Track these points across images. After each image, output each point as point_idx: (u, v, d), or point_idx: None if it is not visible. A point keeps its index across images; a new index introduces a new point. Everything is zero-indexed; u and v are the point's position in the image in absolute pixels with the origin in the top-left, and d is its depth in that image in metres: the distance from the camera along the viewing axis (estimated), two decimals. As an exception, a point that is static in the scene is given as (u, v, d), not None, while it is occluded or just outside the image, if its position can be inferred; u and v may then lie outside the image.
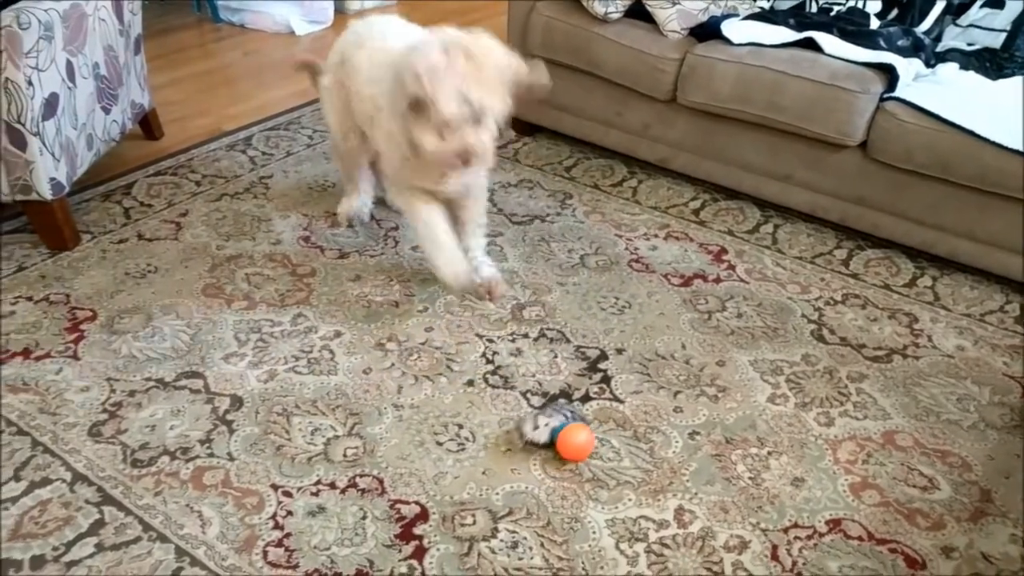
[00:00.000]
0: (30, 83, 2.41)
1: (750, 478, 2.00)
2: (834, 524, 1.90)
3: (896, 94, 2.60)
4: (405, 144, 2.18)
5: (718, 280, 2.66)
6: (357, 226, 2.85)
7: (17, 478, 1.95)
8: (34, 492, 1.92)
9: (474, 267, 2.52)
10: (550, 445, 2.02)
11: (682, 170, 3.10)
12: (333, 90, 2.61)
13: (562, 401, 2.18)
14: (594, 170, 3.24)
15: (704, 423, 2.15)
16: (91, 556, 1.79)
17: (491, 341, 2.39)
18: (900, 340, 2.44)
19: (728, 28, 2.86)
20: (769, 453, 2.07)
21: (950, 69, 2.73)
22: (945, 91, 2.61)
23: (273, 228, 2.84)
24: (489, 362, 2.32)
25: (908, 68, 2.67)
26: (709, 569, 1.80)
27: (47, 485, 1.94)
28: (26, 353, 2.30)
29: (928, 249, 2.71)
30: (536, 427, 2.02)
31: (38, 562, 1.77)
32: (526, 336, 2.41)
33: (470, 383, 2.25)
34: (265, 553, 1.80)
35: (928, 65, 2.75)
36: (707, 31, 2.89)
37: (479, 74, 2.02)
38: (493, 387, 2.24)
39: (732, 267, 2.73)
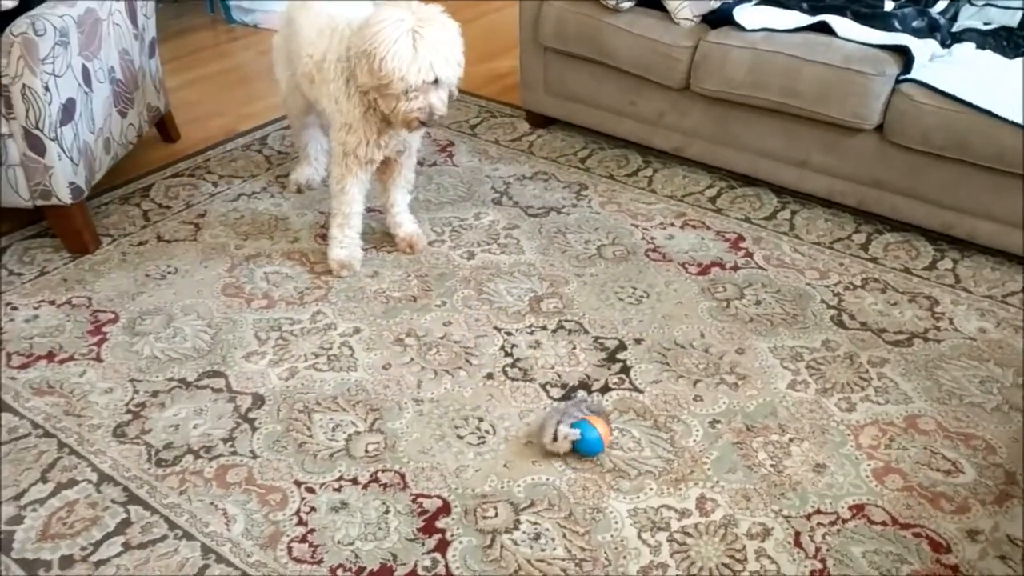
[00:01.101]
0: (47, 89, 2.43)
1: (772, 465, 2.00)
2: (857, 509, 1.89)
3: (912, 76, 2.58)
4: (360, 111, 2.40)
5: (736, 268, 2.65)
6: (305, 191, 3.03)
7: (44, 480, 1.98)
8: (61, 493, 1.95)
9: (397, 222, 2.74)
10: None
11: (697, 158, 3.08)
12: (282, 47, 2.79)
13: (580, 394, 2.18)
14: (609, 160, 3.23)
15: (724, 411, 2.14)
16: (118, 555, 1.81)
17: (509, 334, 2.40)
18: (921, 324, 2.42)
19: (740, 14, 2.84)
20: (790, 440, 2.06)
21: (966, 49, 2.70)
22: (962, 71, 2.58)
23: (290, 226, 2.86)
24: (508, 355, 2.32)
25: (923, 49, 2.65)
26: (732, 557, 1.79)
27: (74, 486, 1.96)
28: (50, 356, 2.33)
29: (948, 231, 2.68)
30: (555, 438, 1.98)
31: (67, 562, 1.79)
32: (544, 328, 2.42)
33: (489, 376, 2.26)
34: (290, 549, 1.82)
35: (944, 45, 2.73)
36: (719, 18, 2.88)
37: (436, 48, 2.24)
38: (512, 380, 2.25)
39: (750, 254, 2.71)
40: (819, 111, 2.68)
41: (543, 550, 1.81)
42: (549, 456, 2.02)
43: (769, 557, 1.79)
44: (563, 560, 1.79)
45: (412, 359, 2.31)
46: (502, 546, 1.82)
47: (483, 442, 2.07)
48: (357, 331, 2.41)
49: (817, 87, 2.65)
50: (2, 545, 1.83)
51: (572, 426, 1.99)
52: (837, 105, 2.64)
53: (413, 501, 1.92)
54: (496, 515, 1.89)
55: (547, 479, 1.97)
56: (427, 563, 1.79)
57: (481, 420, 2.13)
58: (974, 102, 2.45)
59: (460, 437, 2.08)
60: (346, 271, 2.62)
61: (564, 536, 1.84)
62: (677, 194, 3.03)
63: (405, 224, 2.75)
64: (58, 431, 2.10)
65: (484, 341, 2.37)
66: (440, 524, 1.87)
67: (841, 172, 2.77)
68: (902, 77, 2.59)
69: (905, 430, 2.09)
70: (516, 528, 1.86)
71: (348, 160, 2.51)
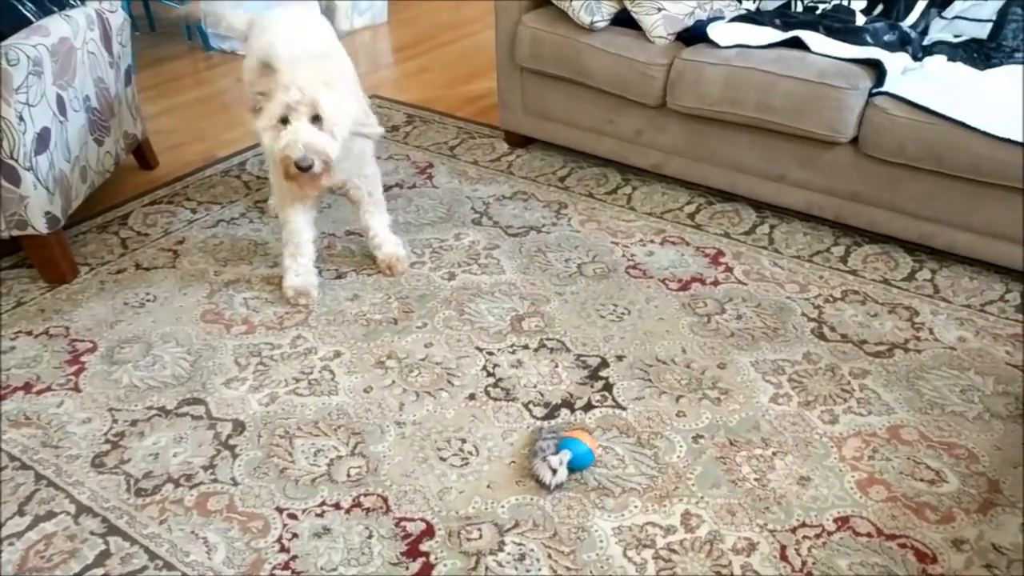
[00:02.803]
0: (21, 119, 2.42)
1: (756, 479, 1.99)
2: (842, 522, 1.89)
3: (885, 89, 2.61)
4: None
5: (716, 283, 2.66)
6: None
7: (21, 512, 1.95)
8: (39, 526, 1.92)
9: (376, 244, 2.72)
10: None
11: (676, 175, 3.10)
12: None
13: (543, 425, 2.15)
14: (588, 179, 3.24)
15: (707, 426, 2.14)
16: (98, 587, 1.78)
17: (491, 354, 2.39)
18: (901, 334, 2.43)
19: (714, 31, 2.86)
20: (774, 453, 2.06)
21: (938, 61, 2.73)
22: (934, 83, 2.61)
23: (270, 251, 2.85)
24: (490, 375, 2.31)
25: (896, 62, 2.67)
26: (718, 572, 1.78)
27: (52, 518, 1.94)
28: (27, 387, 2.30)
29: (926, 242, 2.70)
30: (554, 471, 1.95)
31: (45, 596, 1.77)
32: (526, 347, 2.41)
33: (472, 397, 2.25)
34: (272, 576, 1.80)
35: (916, 58, 2.76)
36: (694, 35, 2.90)
37: (320, 81, 2.23)
38: (495, 400, 2.24)
39: (730, 269, 2.72)
40: (795, 125, 2.70)
41: (528, 571, 1.79)
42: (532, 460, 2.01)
43: (755, 572, 1.79)
44: (548, 580, 1.78)
45: (394, 381, 2.30)
46: (487, 568, 1.80)
47: (466, 463, 2.05)
48: (338, 355, 2.40)
49: (792, 102, 2.67)
50: (-22, 580, 1.80)
51: (558, 450, 1.98)
52: (812, 119, 2.66)
53: (396, 525, 1.90)
54: (480, 537, 1.87)
55: (531, 499, 1.96)
56: (411, 587, 1.77)
57: (464, 441, 2.11)
58: (947, 113, 2.47)
59: (443, 459, 2.07)
60: (303, 299, 2.58)
61: (549, 556, 1.83)
62: (656, 211, 3.04)
63: (384, 245, 2.73)
64: (35, 463, 2.08)
65: (466, 362, 2.36)
66: (424, 547, 1.85)
67: (818, 186, 2.79)
68: (875, 90, 2.61)
69: (888, 441, 2.09)
70: (501, 550, 1.84)
71: (282, 192, 2.52)
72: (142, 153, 3.35)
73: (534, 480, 1.98)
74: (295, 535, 1.88)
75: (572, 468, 1.98)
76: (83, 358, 2.40)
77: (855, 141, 2.67)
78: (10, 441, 2.13)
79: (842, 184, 2.74)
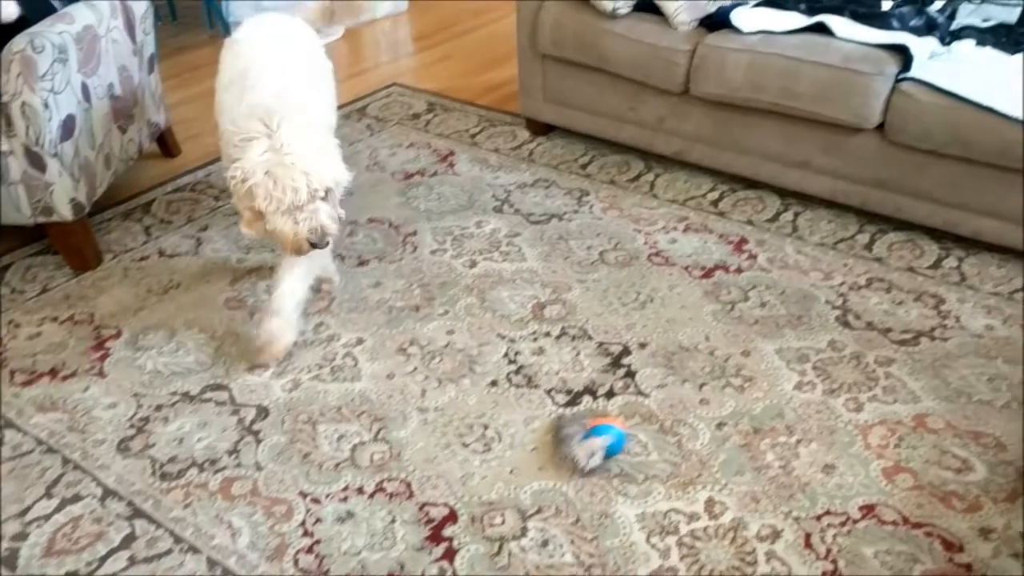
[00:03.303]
0: (46, 106, 2.44)
1: (780, 467, 1.98)
2: (868, 510, 1.88)
3: (911, 74, 2.57)
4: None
5: (740, 270, 2.64)
6: None
7: (49, 496, 1.97)
8: (66, 509, 1.94)
9: (274, 309, 2.33)
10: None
11: (699, 162, 3.08)
12: None
13: (563, 414, 2.14)
14: (610, 166, 3.22)
15: (731, 414, 2.13)
16: (124, 570, 1.80)
17: (513, 341, 2.38)
18: (927, 322, 2.40)
19: (738, 17, 2.84)
20: (798, 441, 2.05)
21: (966, 46, 2.69)
22: (962, 68, 2.57)
23: (292, 239, 2.85)
24: (512, 362, 2.31)
25: (922, 47, 2.64)
26: (742, 560, 1.78)
27: (78, 501, 1.96)
28: (53, 373, 2.32)
29: (952, 229, 2.67)
30: (592, 454, 1.95)
31: (72, 578, 1.78)
32: (548, 335, 2.40)
33: (494, 383, 2.24)
34: (296, 560, 1.80)
35: (943, 43, 2.72)
36: (717, 21, 2.87)
37: (300, 168, 2.07)
38: (517, 387, 2.23)
39: (753, 256, 2.70)
40: (819, 112, 2.67)
41: (551, 556, 1.79)
42: (555, 447, 2.02)
43: (780, 559, 1.78)
44: (572, 566, 1.77)
45: (416, 368, 2.30)
46: (510, 553, 1.80)
47: (489, 449, 2.05)
48: (360, 341, 2.40)
49: (817, 88, 2.65)
50: (7, 562, 1.82)
51: (587, 438, 1.98)
52: (837, 105, 2.63)
53: (419, 510, 1.91)
54: (503, 522, 1.87)
55: (554, 485, 1.95)
56: (434, 572, 1.77)
57: (486, 427, 2.11)
58: (975, 99, 2.44)
59: (465, 445, 2.07)
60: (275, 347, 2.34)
61: (572, 542, 1.82)
62: (679, 198, 3.02)
63: (276, 316, 2.30)
64: (62, 447, 2.09)
65: (488, 349, 2.36)
66: (447, 532, 1.85)
67: (843, 173, 2.76)
68: (902, 76, 2.58)
69: (914, 429, 2.07)
70: (524, 535, 1.84)
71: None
72: (165, 141, 3.36)
73: (568, 462, 1.97)
74: (319, 520, 1.89)
75: (608, 453, 1.98)
76: (108, 344, 2.42)
77: (880, 127, 2.64)
78: (37, 425, 2.15)
79: (867, 171, 2.71)
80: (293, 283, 2.30)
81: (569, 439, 2.00)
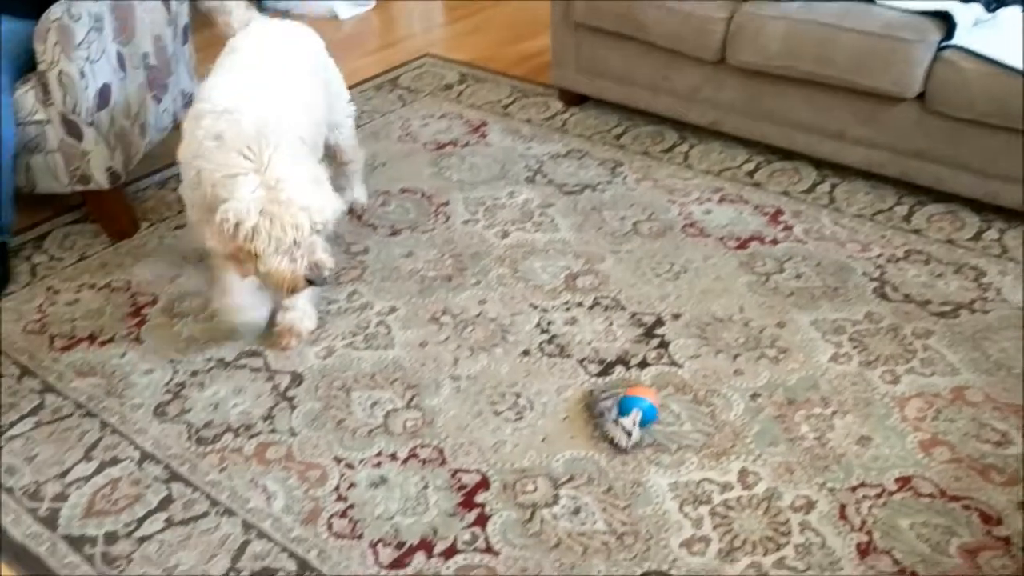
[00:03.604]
0: (82, 74, 2.45)
1: (815, 438, 1.96)
2: (904, 482, 1.86)
3: (954, 42, 2.52)
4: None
5: (775, 242, 2.61)
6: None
7: (88, 458, 2.00)
8: (105, 471, 1.97)
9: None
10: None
11: (734, 132, 3.04)
12: None
13: (598, 385, 2.12)
14: (644, 137, 3.19)
15: (765, 385, 2.11)
16: (161, 531, 1.83)
17: (545, 311, 2.38)
18: (967, 294, 2.36)
19: (776, -16, 2.78)
20: (833, 413, 2.03)
21: (1012, 12, 2.62)
22: (1007, 36, 2.51)
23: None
24: (544, 332, 2.31)
25: (966, 14, 2.57)
26: (775, 530, 1.77)
27: (116, 464, 1.99)
28: (91, 339, 2.35)
29: (994, 200, 2.61)
30: (629, 433, 1.94)
31: (111, 538, 1.81)
32: (580, 305, 2.40)
33: (526, 353, 2.24)
34: (330, 524, 1.82)
35: (989, 9, 2.65)
36: (754, -12, 2.82)
37: (299, 203, 1.89)
38: (549, 356, 2.23)
39: (789, 228, 2.67)
40: (858, 81, 2.62)
41: (583, 524, 1.80)
42: (587, 417, 2.02)
43: (814, 530, 1.77)
44: (603, 534, 1.77)
45: (448, 337, 2.31)
46: (542, 520, 1.81)
47: (521, 418, 2.05)
48: (393, 310, 2.41)
49: (855, 56, 2.59)
50: (48, 522, 1.85)
51: (622, 412, 1.97)
52: (876, 74, 2.58)
53: (452, 476, 1.91)
54: (535, 490, 1.88)
55: (586, 454, 1.95)
56: (467, 537, 1.78)
57: (518, 396, 2.11)
58: (1020, 67, 2.38)
59: (497, 413, 2.07)
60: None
61: (604, 510, 1.82)
62: (714, 169, 2.98)
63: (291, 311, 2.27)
64: (100, 411, 2.13)
65: (520, 319, 2.36)
66: (479, 499, 1.86)
67: (881, 143, 2.72)
68: (944, 44, 2.53)
69: (952, 402, 2.04)
70: (555, 502, 1.84)
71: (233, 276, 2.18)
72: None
73: (608, 443, 1.96)
74: (352, 485, 1.90)
75: (640, 425, 1.97)
76: (144, 311, 2.44)
77: (921, 97, 2.58)
78: (76, 389, 2.19)
79: (906, 141, 2.66)
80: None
81: (606, 414, 1.99)
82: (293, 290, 2.00)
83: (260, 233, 1.86)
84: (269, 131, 1.94)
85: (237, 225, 1.86)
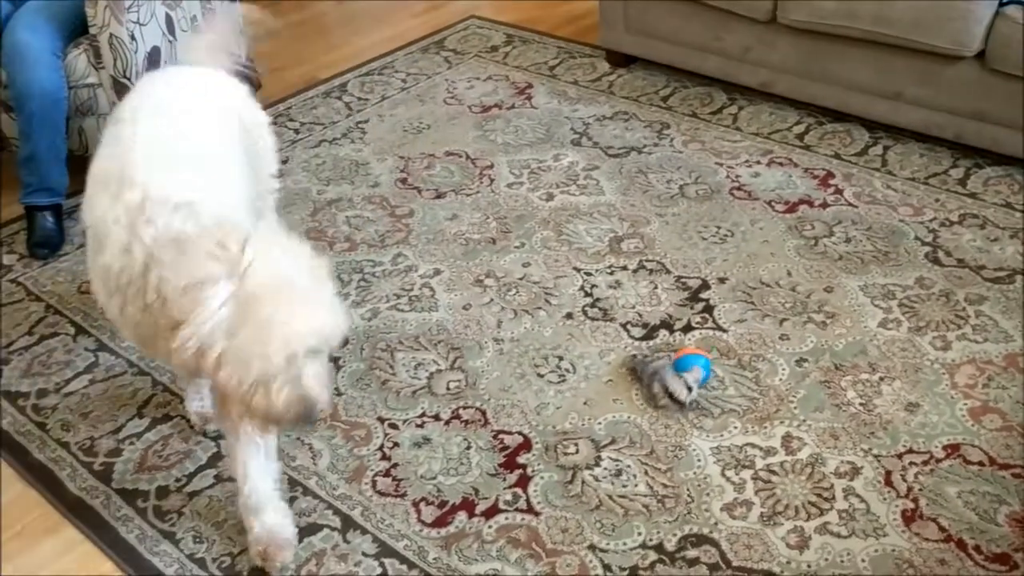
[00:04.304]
0: (132, 38, 2.48)
1: (861, 404, 1.94)
2: (952, 449, 1.83)
3: (1017, -3, 2.43)
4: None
5: (825, 205, 2.56)
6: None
7: (140, 415, 2.05)
8: (156, 428, 2.02)
9: (253, 505, 1.70)
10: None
11: (785, 94, 2.97)
12: None
13: (636, 359, 2.09)
14: (692, 98, 3.14)
15: (812, 350, 2.08)
16: (211, 487, 1.87)
17: (589, 274, 2.37)
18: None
19: (831, -61, 2.71)
20: (881, 379, 2.00)
21: (1078, -34, 2.52)
22: (1073, -9, 2.42)
23: (371, 171, 2.87)
24: (588, 295, 2.30)
25: (1030, -31, 2.48)
26: (819, 495, 1.75)
27: (168, 421, 2.03)
28: (143, 299, 2.40)
29: (1054, 163, 2.54)
30: (690, 388, 1.93)
31: (163, 492, 1.86)
32: (624, 268, 2.38)
33: (569, 316, 2.24)
34: (374, 483, 1.85)
35: (1053, -36, 2.55)
36: (808, -56, 2.75)
37: (280, 322, 1.37)
38: (592, 319, 2.22)
39: (839, 191, 2.62)
40: (915, 39, 2.55)
41: (624, 486, 1.80)
42: (630, 380, 2.01)
43: (858, 496, 1.75)
44: (645, 496, 1.78)
45: (492, 299, 2.31)
46: (583, 482, 1.82)
47: (563, 380, 2.06)
48: (437, 272, 2.42)
49: (913, 14, 2.52)
50: (102, 476, 1.91)
51: (679, 369, 1.96)
52: (934, 32, 2.50)
53: (494, 437, 1.93)
54: (577, 452, 1.88)
55: (628, 417, 1.95)
56: (508, 497, 1.79)
57: (561, 359, 2.12)
58: (1086, 23, 2.30)
59: (540, 375, 2.08)
60: (209, 424, 1.99)
61: (646, 473, 1.82)
62: (763, 131, 2.93)
63: (264, 511, 1.71)
64: (152, 369, 2.17)
65: (563, 282, 2.35)
66: (521, 460, 1.87)
67: (938, 104, 2.64)
68: (1005, 0, 2.44)
69: (1005, 369, 2.00)
70: (597, 464, 1.85)
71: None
72: (246, 75, 3.39)
73: (668, 399, 1.94)
74: (396, 444, 1.93)
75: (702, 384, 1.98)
76: (194, 272, 2.48)
77: (980, 55, 2.50)
78: (129, 348, 2.23)
79: (964, 102, 2.58)
80: (261, 465, 1.70)
81: (659, 376, 1.97)
82: (275, 427, 1.56)
83: (227, 364, 1.39)
84: (236, 220, 1.54)
85: (203, 356, 1.39)
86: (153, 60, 2.57)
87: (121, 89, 2.52)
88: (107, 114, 2.56)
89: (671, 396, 1.94)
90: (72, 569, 1.75)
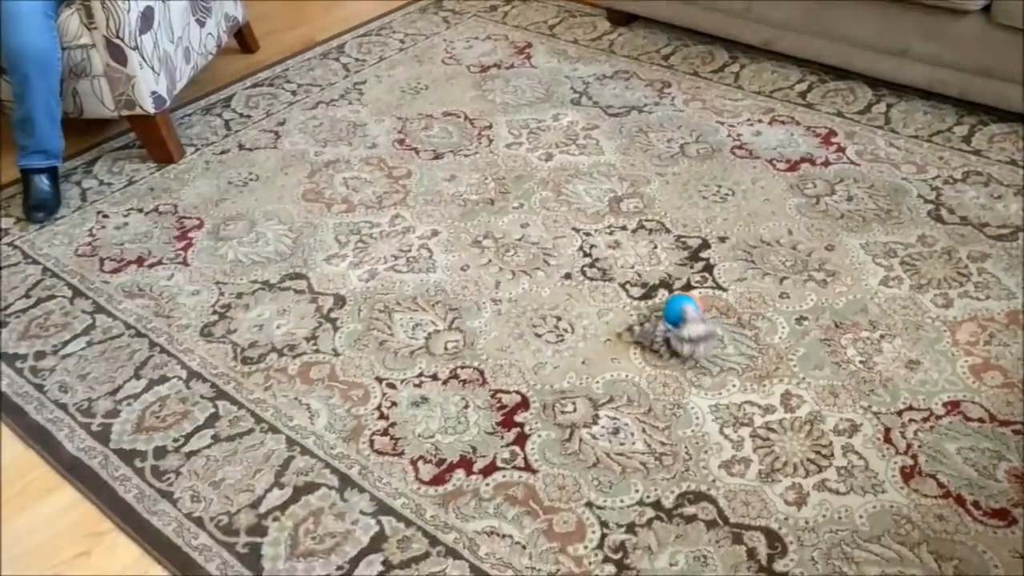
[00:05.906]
0: (125, -3, 2.45)
1: (861, 362, 1.92)
2: (952, 406, 1.82)
3: (1024, -51, 2.38)
4: None
5: (827, 163, 2.53)
6: None
7: (138, 376, 2.05)
8: (154, 389, 2.01)
9: None
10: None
11: (787, 51, 2.93)
12: None
13: (635, 331, 2.08)
14: (693, 57, 3.10)
15: (812, 308, 2.07)
16: (208, 447, 1.87)
17: (588, 235, 2.35)
18: (1027, 217, 2.28)
19: None
20: (882, 336, 1.98)
21: (1087, -83, 2.47)
22: (1081, -58, 2.37)
23: (368, 132, 2.85)
24: (586, 255, 2.28)
25: (1039, -81, 2.43)
26: (818, 452, 1.75)
27: (165, 382, 2.03)
28: (140, 261, 2.39)
29: (1060, 120, 2.50)
30: (690, 339, 1.92)
31: (160, 452, 1.86)
32: (624, 228, 2.36)
33: (567, 276, 2.22)
34: (372, 442, 1.84)
35: (1062, -85, 2.50)
36: None
37: None
38: (591, 280, 2.21)
39: (842, 149, 2.59)
40: (920, -7, 2.51)
41: (622, 444, 1.79)
42: (627, 340, 2.00)
43: (857, 453, 1.74)
44: (643, 454, 1.77)
45: (490, 260, 2.30)
46: (580, 440, 1.81)
47: (561, 340, 2.05)
48: (435, 233, 2.40)
49: (918, -33, 2.48)
50: (101, 436, 1.91)
51: (669, 319, 1.97)
52: (940, -14, 2.46)
53: (492, 396, 1.92)
54: (574, 410, 1.88)
55: (626, 376, 1.94)
56: (506, 455, 1.79)
57: (559, 319, 2.10)
58: (1094, -25, 2.25)
59: (538, 335, 2.06)
60: None
61: (644, 431, 1.82)
62: (765, 89, 2.89)
63: None
64: (149, 331, 2.17)
65: (562, 242, 2.33)
66: (519, 419, 1.87)
67: (943, 60, 2.60)
68: (1013, -48, 2.39)
69: (1007, 326, 1.98)
70: (595, 423, 1.84)
71: None
72: (243, 37, 3.36)
73: (672, 355, 1.95)
74: (394, 403, 1.92)
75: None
76: (191, 234, 2.47)
77: (987, 9, 2.46)
78: (125, 311, 2.23)
79: (970, 57, 2.54)
80: None
81: (660, 335, 1.96)
82: None
83: None
84: None
85: None
86: (147, 20, 2.54)
87: (115, 50, 2.49)
88: (101, 76, 2.54)
89: (674, 354, 1.94)
90: (72, 526, 1.76)
